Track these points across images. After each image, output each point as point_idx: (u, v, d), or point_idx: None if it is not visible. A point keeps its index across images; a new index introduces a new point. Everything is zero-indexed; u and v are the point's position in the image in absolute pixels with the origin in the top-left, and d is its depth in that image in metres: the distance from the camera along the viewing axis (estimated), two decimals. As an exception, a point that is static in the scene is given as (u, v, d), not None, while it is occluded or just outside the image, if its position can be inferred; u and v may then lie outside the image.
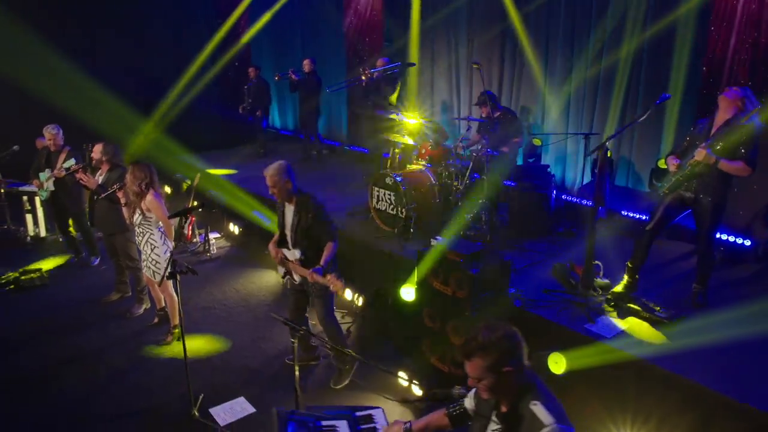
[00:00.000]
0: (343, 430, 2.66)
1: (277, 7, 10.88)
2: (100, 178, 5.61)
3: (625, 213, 6.33)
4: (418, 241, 5.92)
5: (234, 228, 7.84)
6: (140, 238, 5.05)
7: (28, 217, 7.89)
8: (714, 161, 4.15)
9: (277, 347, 5.21)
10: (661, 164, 6.81)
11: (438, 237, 4.72)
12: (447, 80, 8.87)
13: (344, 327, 5.31)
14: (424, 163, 6.40)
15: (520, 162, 7.24)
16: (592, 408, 4.06)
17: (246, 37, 11.76)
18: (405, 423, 2.68)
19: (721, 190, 4.29)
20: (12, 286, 6.37)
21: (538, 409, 2.18)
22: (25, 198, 7.80)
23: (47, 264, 7.06)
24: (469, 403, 2.57)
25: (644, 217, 6.16)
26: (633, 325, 4.32)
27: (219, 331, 5.47)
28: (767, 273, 5.33)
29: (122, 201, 5.16)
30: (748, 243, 5.52)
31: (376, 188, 6.30)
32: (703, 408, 3.53)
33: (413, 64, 8.10)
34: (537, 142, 7.53)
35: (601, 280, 4.87)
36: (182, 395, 4.40)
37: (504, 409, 2.32)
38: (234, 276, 6.75)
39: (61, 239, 7.45)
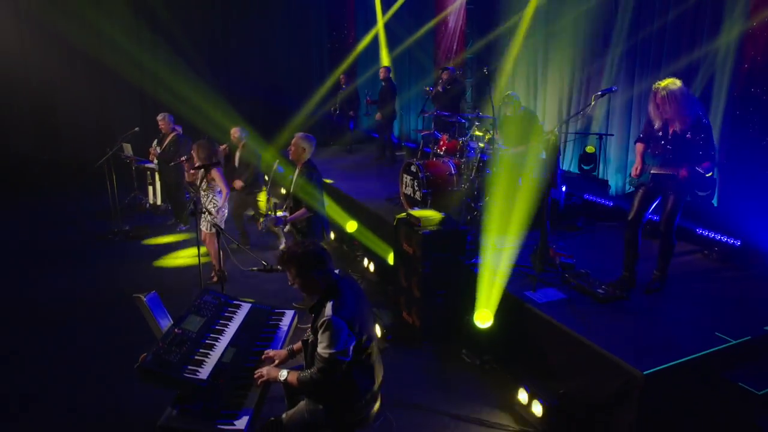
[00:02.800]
0: (243, 310, 3.64)
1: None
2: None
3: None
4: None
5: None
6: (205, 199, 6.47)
7: (149, 189, 9.93)
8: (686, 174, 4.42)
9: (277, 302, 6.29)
10: (588, 149, 7.38)
11: (416, 207, 5.50)
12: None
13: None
14: (444, 153, 7.16)
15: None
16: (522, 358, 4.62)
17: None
18: (287, 347, 3.38)
19: (684, 187, 4.54)
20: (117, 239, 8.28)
21: (328, 306, 2.88)
22: (148, 173, 9.85)
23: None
24: None
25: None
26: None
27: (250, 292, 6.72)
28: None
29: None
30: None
31: (405, 175, 7.19)
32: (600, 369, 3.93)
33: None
34: (590, 149, 7.79)
35: (565, 262, 5.29)
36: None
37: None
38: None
39: (169, 207, 9.40)
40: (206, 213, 5.60)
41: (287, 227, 5.53)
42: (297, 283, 3.02)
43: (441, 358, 5.02)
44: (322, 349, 2.83)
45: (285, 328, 3.68)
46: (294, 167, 5.58)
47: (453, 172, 6.89)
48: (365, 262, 6.79)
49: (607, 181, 7.64)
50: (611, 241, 6.19)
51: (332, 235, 6.32)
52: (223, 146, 8.27)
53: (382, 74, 10.46)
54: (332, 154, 11.82)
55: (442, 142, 7.11)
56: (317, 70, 14.47)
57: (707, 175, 4.41)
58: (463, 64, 10.40)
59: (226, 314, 3.54)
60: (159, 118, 8.27)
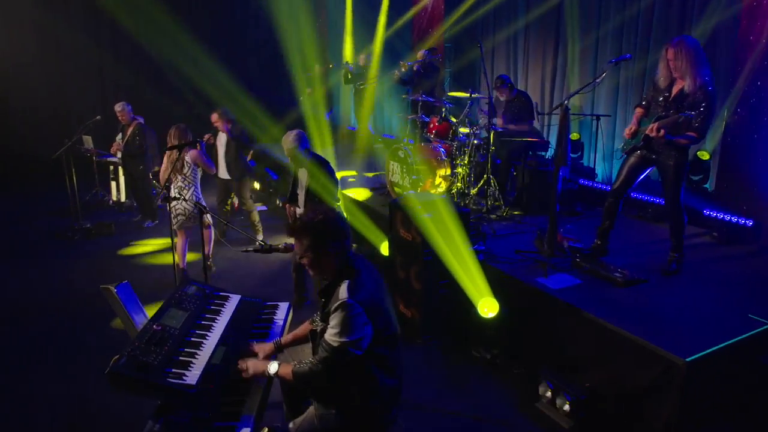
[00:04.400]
0: (232, 302, 3.11)
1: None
2: None
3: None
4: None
5: (279, 203, 8.60)
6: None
7: (112, 185, 9.22)
8: (665, 140, 4.12)
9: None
10: (574, 136, 7.08)
11: (411, 191, 5.06)
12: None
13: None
14: (433, 138, 6.75)
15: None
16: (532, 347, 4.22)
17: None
18: (274, 340, 2.90)
19: (683, 149, 4.23)
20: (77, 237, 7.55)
21: (342, 287, 2.41)
22: (111, 168, 9.14)
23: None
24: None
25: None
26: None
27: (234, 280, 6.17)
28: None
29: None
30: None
31: (391, 162, 6.74)
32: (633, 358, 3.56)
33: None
34: (575, 136, 7.51)
35: (573, 246, 4.93)
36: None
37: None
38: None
39: (132, 203, 8.74)
40: (180, 200, 5.00)
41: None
42: (307, 259, 2.52)
43: (446, 353, 4.58)
44: (331, 336, 2.37)
45: (280, 323, 3.18)
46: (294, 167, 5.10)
47: (443, 156, 6.47)
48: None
49: (593, 168, 7.37)
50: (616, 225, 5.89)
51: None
52: (207, 135, 7.62)
53: (361, 61, 10.00)
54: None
55: (432, 125, 6.68)
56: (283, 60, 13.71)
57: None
58: (442, 51, 10.01)
59: (212, 308, 3.01)
60: (117, 108, 7.57)
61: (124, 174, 8.35)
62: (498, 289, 4.43)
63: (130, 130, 7.54)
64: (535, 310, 4.30)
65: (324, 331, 2.43)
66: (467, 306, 4.54)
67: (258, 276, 6.18)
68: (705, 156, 6.61)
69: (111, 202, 9.15)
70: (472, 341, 4.55)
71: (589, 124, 7.38)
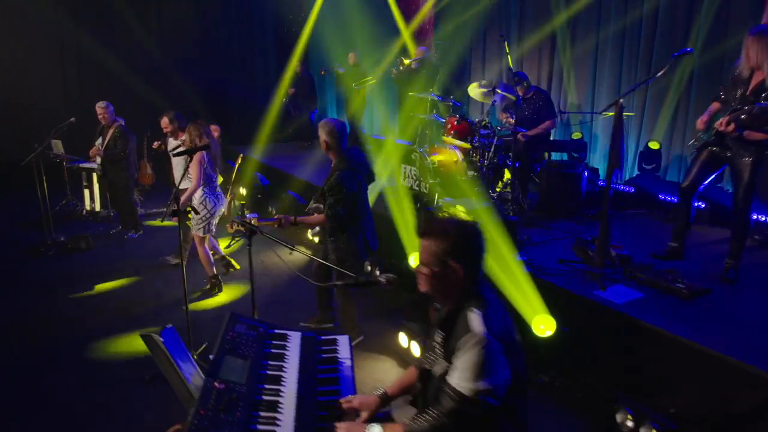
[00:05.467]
0: (294, 342, 2.60)
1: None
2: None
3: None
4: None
5: (272, 210, 8.02)
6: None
7: (86, 193, 8.44)
8: (736, 134, 3.83)
9: (282, 317, 5.24)
10: (652, 145, 6.45)
11: (446, 198, 4.63)
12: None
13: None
14: (450, 139, 6.33)
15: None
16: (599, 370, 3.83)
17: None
18: (377, 390, 2.41)
19: (760, 146, 3.93)
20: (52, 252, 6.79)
21: (474, 317, 1.96)
22: (83, 174, 8.36)
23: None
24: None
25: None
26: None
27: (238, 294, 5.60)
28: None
29: None
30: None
31: (404, 165, 6.28)
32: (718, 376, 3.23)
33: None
34: (577, 135, 7.21)
35: (621, 254, 4.60)
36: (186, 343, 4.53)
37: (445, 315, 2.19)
38: (261, 251, 6.88)
39: (112, 213, 8.01)
40: (191, 212, 4.41)
41: (316, 236, 4.44)
42: (429, 270, 2.03)
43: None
44: (459, 381, 1.90)
45: (348, 363, 2.67)
46: None
47: (460, 158, 6.06)
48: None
49: (597, 169, 7.11)
50: (645, 229, 5.63)
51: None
52: (157, 143, 7.00)
53: (351, 59, 9.48)
54: (293, 150, 10.70)
55: (449, 125, 6.23)
56: (261, 55, 13.08)
57: None
58: (435, 46, 9.60)
59: (273, 351, 2.49)
60: (100, 106, 6.83)
61: (102, 181, 7.57)
62: (551, 305, 4.05)
63: (111, 132, 6.82)
64: (596, 326, 3.93)
65: (446, 373, 1.97)
66: (517, 324, 4.12)
67: (265, 294, 5.64)
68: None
69: (84, 212, 8.36)
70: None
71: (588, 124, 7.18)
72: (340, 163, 4.14)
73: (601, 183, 6.53)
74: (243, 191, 8.58)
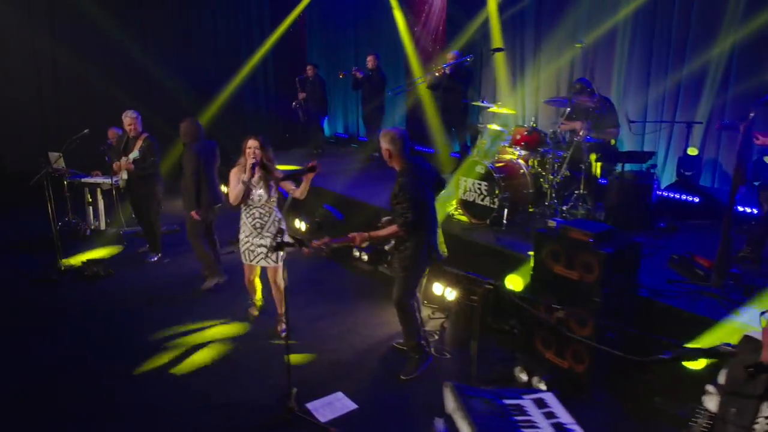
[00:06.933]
0: (531, 410, 2.21)
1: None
2: None
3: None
4: (511, 233, 5.54)
5: (301, 224, 7.49)
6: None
7: (89, 210, 7.68)
8: None
9: (366, 341, 4.81)
10: (691, 151, 6.35)
11: (556, 219, 4.31)
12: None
13: (437, 323, 4.96)
14: (512, 150, 6.02)
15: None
16: None
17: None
18: None
19: None
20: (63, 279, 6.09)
21: None
22: (86, 190, 7.60)
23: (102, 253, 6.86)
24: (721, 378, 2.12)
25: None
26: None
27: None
28: None
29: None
30: None
31: (464, 178, 5.92)
32: None
33: (502, 49, 7.50)
34: (692, 151, 6.91)
35: (733, 272, 4.39)
36: (271, 388, 4.05)
37: None
38: (307, 269, 6.37)
39: (120, 232, 7.32)
40: (294, 244, 3.83)
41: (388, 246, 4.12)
42: None
43: (628, 411, 3.86)
44: None
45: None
46: None
47: (525, 170, 5.77)
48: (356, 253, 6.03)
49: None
50: (705, 242, 5.38)
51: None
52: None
53: (370, 63, 9.03)
54: (301, 158, 10.13)
55: (519, 136, 5.90)
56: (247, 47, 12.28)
57: None
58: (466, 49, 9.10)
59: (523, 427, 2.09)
60: (130, 116, 6.13)
61: (127, 196, 6.82)
62: (675, 330, 3.79)
63: (139, 144, 6.14)
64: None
65: None
66: (639, 349, 3.85)
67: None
68: (693, 152, 6.54)
69: (88, 231, 7.59)
70: (654, 391, 3.87)
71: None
72: (403, 170, 4.07)
73: (660, 192, 6.36)
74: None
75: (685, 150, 6.72)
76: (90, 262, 6.39)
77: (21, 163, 9.23)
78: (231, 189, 4.51)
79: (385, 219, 4.33)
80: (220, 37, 11.54)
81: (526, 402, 2.27)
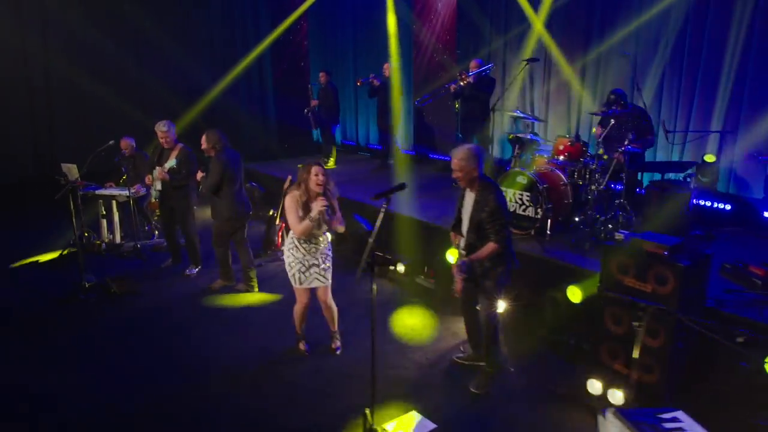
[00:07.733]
0: (690, 426, 2.20)
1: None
2: None
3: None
4: (557, 243, 5.56)
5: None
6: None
7: (103, 223, 7.42)
8: None
9: (426, 355, 4.75)
10: (708, 158, 6.47)
11: (623, 231, 4.33)
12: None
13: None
14: (547, 159, 6.05)
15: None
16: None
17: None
18: None
19: None
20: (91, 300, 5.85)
21: None
22: (100, 202, 7.34)
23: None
24: None
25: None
26: None
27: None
28: None
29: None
30: None
31: (505, 189, 5.91)
32: None
33: (537, 59, 7.45)
34: (710, 158, 6.94)
35: (788, 280, 4.49)
36: (345, 408, 3.96)
37: None
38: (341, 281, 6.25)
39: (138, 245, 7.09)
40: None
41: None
42: None
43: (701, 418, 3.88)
44: None
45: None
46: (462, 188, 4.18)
47: (566, 181, 5.80)
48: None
49: None
50: (746, 250, 5.48)
51: None
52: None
53: (387, 71, 8.98)
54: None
55: (562, 146, 5.91)
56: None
57: None
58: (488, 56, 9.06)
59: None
60: (162, 129, 5.96)
61: (160, 209, 6.59)
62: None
63: (175, 155, 5.97)
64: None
65: None
66: (715, 358, 3.91)
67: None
68: (711, 158, 6.50)
69: (104, 245, 7.32)
70: (732, 400, 3.90)
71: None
72: (487, 187, 4.07)
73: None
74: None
75: (702, 157, 6.85)
76: (113, 278, 6.16)
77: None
78: (293, 221, 4.29)
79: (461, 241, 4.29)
80: (215, 43, 11.26)
81: (683, 417, 2.25)
